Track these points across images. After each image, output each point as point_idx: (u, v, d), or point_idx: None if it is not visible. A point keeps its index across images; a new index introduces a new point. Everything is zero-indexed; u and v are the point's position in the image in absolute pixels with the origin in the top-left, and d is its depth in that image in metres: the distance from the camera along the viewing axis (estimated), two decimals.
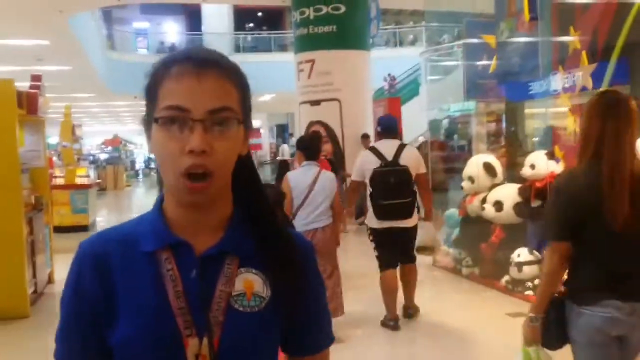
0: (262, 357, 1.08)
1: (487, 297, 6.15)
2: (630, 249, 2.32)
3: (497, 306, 5.77)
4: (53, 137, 18.99)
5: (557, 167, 5.88)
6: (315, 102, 11.78)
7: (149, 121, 1.05)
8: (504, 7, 7.11)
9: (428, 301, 5.74)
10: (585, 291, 2.35)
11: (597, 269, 2.34)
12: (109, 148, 29.42)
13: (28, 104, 6.56)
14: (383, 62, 18.69)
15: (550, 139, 6.56)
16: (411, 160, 5.05)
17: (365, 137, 11.10)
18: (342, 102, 11.58)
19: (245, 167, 1.12)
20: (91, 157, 24.21)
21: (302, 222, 4.69)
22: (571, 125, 5.97)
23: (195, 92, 1.00)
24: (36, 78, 7.08)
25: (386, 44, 26.53)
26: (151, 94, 1.05)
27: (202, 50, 1.06)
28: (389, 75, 15.50)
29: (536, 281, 5.84)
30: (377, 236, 5.05)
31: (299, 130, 12.51)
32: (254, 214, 1.13)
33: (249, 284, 1.07)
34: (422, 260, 6.25)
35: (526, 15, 5.71)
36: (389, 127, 5.27)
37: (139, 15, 32.59)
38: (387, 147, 5.05)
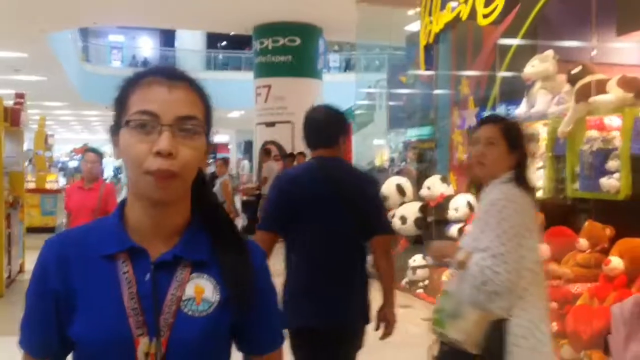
0: (211, 358, 1.14)
1: None
2: None
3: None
4: (26, 143, 19.75)
5: (448, 190, 7.19)
6: (270, 124, 12.91)
7: (117, 127, 1.10)
8: (412, 55, 8.47)
9: None
10: None
11: None
12: (79, 156, 30.09)
13: (12, 118, 7.64)
14: (342, 85, 19.75)
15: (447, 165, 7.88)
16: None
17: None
18: (294, 125, 12.59)
19: (200, 178, 1.17)
20: (60, 164, 25.06)
21: None
22: (461, 155, 7.31)
23: (165, 100, 1.06)
24: (20, 96, 8.17)
25: (346, 69, 27.65)
26: (121, 102, 1.10)
27: (173, 67, 1.15)
28: None
29: (426, 282, 7.14)
30: None
31: (255, 149, 13.64)
32: (212, 220, 1.18)
33: (199, 290, 1.11)
34: None
35: (422, 65, 7.06)
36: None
37: (115, 28, 33.43)
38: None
